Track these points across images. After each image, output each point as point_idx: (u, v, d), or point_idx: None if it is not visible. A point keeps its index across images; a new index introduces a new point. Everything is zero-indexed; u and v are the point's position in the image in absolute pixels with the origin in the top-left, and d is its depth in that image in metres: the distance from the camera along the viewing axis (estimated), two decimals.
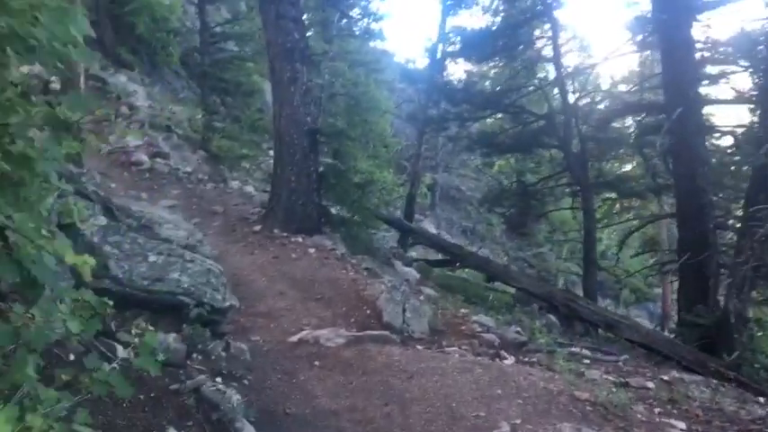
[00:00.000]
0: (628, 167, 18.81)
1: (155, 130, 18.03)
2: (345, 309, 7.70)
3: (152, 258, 5.64)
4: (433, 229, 25.94)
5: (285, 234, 10.24)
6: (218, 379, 5.26)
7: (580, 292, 19.55)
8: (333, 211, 11.18)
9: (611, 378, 7.20)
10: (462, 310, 9.18)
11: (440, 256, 14.46)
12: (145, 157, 14.77)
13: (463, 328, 8.10)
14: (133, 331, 3.62)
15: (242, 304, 7.73)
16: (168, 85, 24.48)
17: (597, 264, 14.64)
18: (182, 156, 16.81)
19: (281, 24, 10.45)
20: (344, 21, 28.89)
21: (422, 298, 8.93)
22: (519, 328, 9.03)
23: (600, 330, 11.95)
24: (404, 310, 7.75)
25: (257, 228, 10.45)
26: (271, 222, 10.55)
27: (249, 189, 16.75)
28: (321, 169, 11.00)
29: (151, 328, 4.53)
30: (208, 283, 5.89)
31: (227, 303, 6.00)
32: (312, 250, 9.64)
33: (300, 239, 10.07)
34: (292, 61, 10.49)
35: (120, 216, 6.26)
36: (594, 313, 12.23)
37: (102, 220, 5.58)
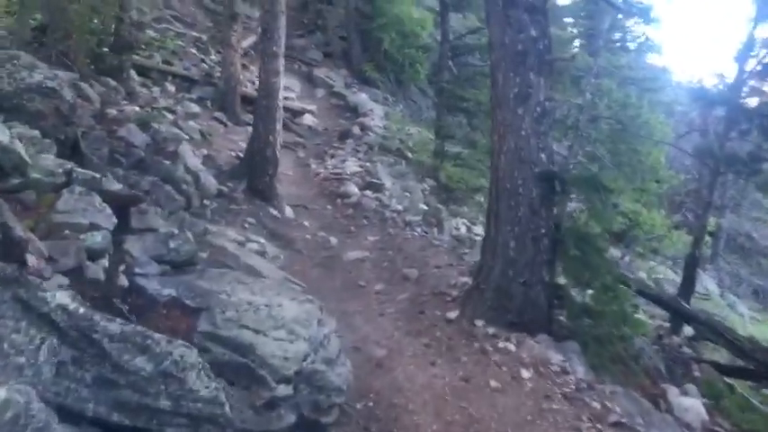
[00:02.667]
0: None
1: (384, 153, 15.41)
2: None
3: None
4: (713, 287, 19.87)
5: (492, 331, 6.44)
6: None
7: None
8: (572, 295, 7.06)
9: None
10: None
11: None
12: (355, 189, 12.03)
13: None
14: None
15: None
16: (412, 105, 22.00)
17: None
18: (403, 186, 13.86)
19: (511, 16, 6.68)
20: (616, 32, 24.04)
21: None
22: None
23: None
24: None
25: (453, 314, 6.80)
26: (474, 307, 6.82)
27: (476, 231, 13.22)
28: (556, 230, 6.99)
29: None
30: None
31: None
32: (527, 373, 5.71)
33: (513, 345, 6.18)
34: (524, 70, 6.67)
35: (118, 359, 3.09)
36: None
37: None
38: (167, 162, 7.95)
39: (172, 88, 14.06)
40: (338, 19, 22.30)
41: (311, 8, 22.74)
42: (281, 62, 10.13)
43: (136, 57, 13.78)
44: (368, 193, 11.88)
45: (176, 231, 4.94)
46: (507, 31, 6.76)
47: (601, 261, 7.00)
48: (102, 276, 4.27)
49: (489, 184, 7.33)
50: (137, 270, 4.57)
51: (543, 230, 6.83)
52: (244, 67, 16.94)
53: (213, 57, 16.10)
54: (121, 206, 4.76)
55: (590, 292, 7.02)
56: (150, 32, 16.14)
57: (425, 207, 12.63)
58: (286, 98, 17.77)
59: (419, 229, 10.28)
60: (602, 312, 6.81)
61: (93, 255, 4.31)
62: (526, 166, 6.75)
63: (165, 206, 7.10)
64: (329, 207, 11.39)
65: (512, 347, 6.13)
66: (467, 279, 7.69)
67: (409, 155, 15.83)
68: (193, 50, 16.07)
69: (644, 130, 12.67)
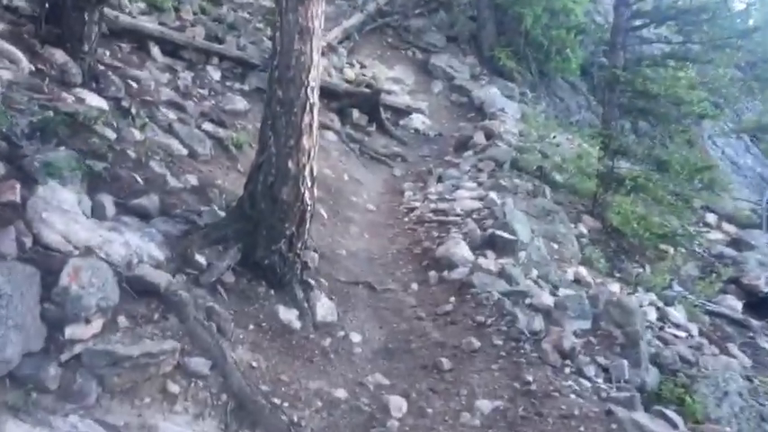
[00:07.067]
0: None
1: (518, 173, 9.54)
2: None
3: None
4: None
5: None
6: None
7: None
8: None
9: None
10: None
11: None
12: (465, 252, 6.30)
13: None
14: None
15: None
16: (558, 104, 15.71)
17: None
18: (549, 233, 7.96)
19: None
20: None
21: None
22: None
23: None
24: None
25: None
26: None
27: (676, 319, 7.08)
28: None
29: None
30: None
31: None
32: None
33: None
34: None
35: None
36: None
37: None
38: None
39: (215, 75, 9.14)
40: None
41: None
42: (319, 11, 4.63)
43: (160, 27, 8.97)
44: (487, 259, 6.13)
45: None
46: None
47: None
48: None
49: None
50: None
51: None
52: (329, 47, 11.78)
53: None
54: None
55: None
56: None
57: (588, 278, 6.68)
58: (389, 92, 12.42)
59: (592, 371, 4.38)
60: None
61: None
62: None
63: None
64: (414, 287, 5.82)
65: None
66: None
67: (557, 177, 9.85)
68: (260, 25, 11.03)
69: None
